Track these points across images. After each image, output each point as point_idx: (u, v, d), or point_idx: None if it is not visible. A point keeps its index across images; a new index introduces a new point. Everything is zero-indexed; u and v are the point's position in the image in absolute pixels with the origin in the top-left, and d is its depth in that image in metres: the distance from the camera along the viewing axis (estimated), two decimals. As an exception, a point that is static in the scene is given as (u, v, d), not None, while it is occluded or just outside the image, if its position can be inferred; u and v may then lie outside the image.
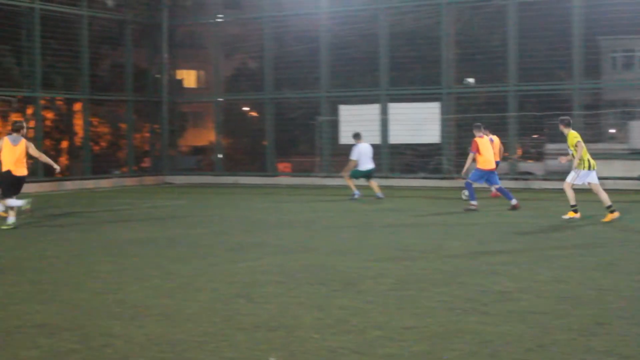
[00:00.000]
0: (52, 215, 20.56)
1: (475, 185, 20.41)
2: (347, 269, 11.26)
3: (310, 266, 11.56)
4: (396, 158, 31.51)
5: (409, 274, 10.89)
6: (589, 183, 17.46)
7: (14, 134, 17.58)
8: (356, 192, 23.52)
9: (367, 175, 23.88)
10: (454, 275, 10.72)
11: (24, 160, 17.68)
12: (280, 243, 14.29)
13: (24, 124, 18.05)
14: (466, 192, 20.62)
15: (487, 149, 20.44)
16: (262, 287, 9.95)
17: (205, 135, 38.54)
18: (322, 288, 9.86)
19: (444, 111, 30.05)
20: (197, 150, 39.11)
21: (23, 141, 17.52)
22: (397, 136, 30.75)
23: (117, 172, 34.31)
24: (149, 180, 34.67)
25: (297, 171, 33.73)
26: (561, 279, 10.32)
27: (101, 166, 33.76)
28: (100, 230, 16.90)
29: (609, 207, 17.21)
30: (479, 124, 20.97)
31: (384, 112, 30.93)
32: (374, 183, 23.89)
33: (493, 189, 21.75)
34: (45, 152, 31.01)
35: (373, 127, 30.31)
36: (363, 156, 23.74)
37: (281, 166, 34.45)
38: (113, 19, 34.62)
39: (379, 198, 23.23)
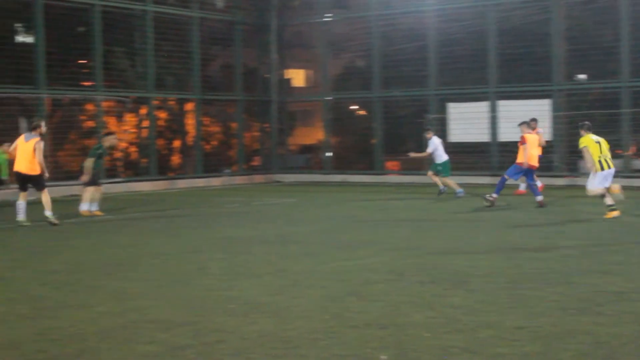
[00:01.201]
0: (165, 213, 20.96)
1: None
2: (457, 267, 11.19)
3: (420, 264, 11.52)
4: (505, 156, 31.09)
5: (520, 272, 10.76)
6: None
7: (31, 132, 17.79)
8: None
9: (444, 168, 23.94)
10: (567, 274, 10.55)
11: (33, 159, 17.56)
12: (389, 241, 14.29)
13: (41, 123, 17.98)
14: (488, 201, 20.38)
15: (534, 145, 20.64)
16: (373, 285, 9.96)
17: (314, 134, 38.73)
18: (432, 286, 9.82)
19: (554, 108, 29.53)
20: (306, 149, 39.32)
21: (33, 140, 17.55)
22: (506, 134, 30.33)
23: (227, 170, 34.76)
24: (258, 178, 35.04)
25: (405, 169, 33.59)
26: (679, 280, 10.07)
27: (212, 165, 34.26)
28: (212, 227, 17.16)
29: (610, 205, 17.44)
30: (530, 120, 21.87)
31: (493, 110, 30.58)
32: (448, 179, 24.00)
33: (522, 186, 22.55)
34: (158, 152, 31.77)
35: (482, 125, 30.01)
36: (439, 149, 23.87)
37: (389, 164, 34.38)
38: (223, 20, 35.10)
39: (441, 192, 23.68)
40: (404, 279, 10.32)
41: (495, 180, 28.06)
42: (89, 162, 20.21)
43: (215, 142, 36.14)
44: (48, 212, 17.71)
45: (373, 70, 33.67)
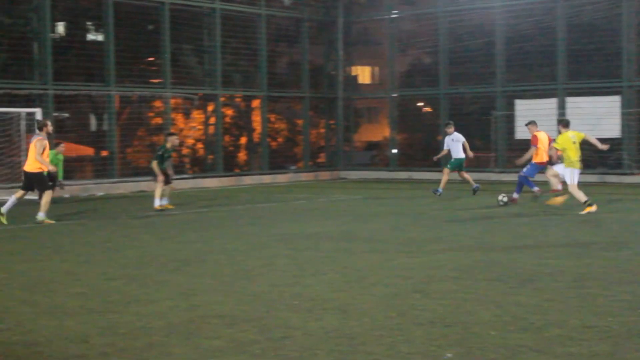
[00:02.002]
0: (231, 210, 21.11)
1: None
2: (524, 265, 11.09)
3: (486, 262, 11.44)
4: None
5: (589, 271, 10.62)
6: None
7: (39, 132, 17.74)
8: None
9: (459, 165, 23.72)
10: (636, 273, 10.39)
11: (32, 157, 17.47)
12: (455, 238, 14.21)
13: (45, 122, 17.96)
14: (504, 199, 20.14)
15: (545, 143, 20.85)
16: (438, 282, 9.92)
17: (380, 131, 38.70)
18: (498, 284, 9.75)
19: (624, 105, 29.09)
20: (372, 146, 39.30)
21: (35, 139, 17.56)
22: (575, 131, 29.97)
23: (293, 167, 34.91)
24: (324, 175, 35.11)
25: (472, 166, 33.34)
26: None
27: (278, 161, 34.43)
28: (277, 224, 17.23)
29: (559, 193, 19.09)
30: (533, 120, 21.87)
31: (562, 107, 30.21)
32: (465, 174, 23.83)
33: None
34: (224, 148, 32.01)
35: (550, 122, 29.58)
36: (453, 146, 23.65)
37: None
38: (290, 17, 35.23)
39: (475, 190, 23.51)
40: (470, 277, 10.25)
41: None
42: (153, 165, 20.74)
43: (281, 139, 36.31)
44: (41, 215, 17.63)
45: (440, 66, 33.52)
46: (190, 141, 32.02)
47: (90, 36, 31.52)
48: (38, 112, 25.11)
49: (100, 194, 27.04)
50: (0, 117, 25.07)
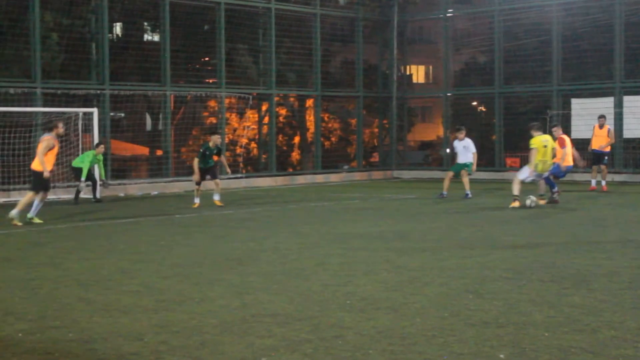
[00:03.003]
0: (284, 209, 21.17)
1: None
2: (578, 266, 10.98)
3: (540, 262, 11.34)
4: (630, 152, 30.37)
5: (645, 272, 10.50)
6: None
7: (49, 132, 17.83)
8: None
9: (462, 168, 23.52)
10: (694, 275, 10.23)
11: (40, 155, 17.43)
12: (509, 238, 14.12)
13: (58, 124, 17.96)
14: (532, 204, 19.82)
15: (570, 146, 21.63)
16: (491, 283, 9.85)
17: (433, 130, 38.59)
18: (552, 285, 9.66)
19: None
20: (425, 145, 39.18)
21: (42, 138, 17.69)
22: (632, 130, 29.62)
23: (346, 166, 34.92)
24: (377, 174, 35.07)
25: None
26: None
27: (331, 161, 34.47)
28: (330, 223, 17.24)
29: (541, 195, 20.44)
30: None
31: (619, 106, 29.85)
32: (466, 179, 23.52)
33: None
34: (278, 147, 32.14)
35: (607, 121, 29.32)
36: (462, 152, 23.49)
37: (509, 161, 33.92)
38: (344, 16, 35.25)
39: (467, 197, 23.06)
40: (523, 277, 10.17)
41: (618, 176, 27.65)
42: (194, 162, 21.29)
43: (334, 138, 36.37)
44: (14, 212, 17.51)
45: (494, 65, 33.32)
46: (244, 141, 32.18)
47: (147, 36, 31.89)
48: (95, 112, 25.43)
49: (155, 193, 27.29)
50: (58, 117, 25.41)
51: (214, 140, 21.40)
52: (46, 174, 17.49)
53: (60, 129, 17.98)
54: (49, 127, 18.21)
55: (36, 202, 17.74)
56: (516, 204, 19.68)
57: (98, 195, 23.90)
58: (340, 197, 24.80)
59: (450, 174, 23.75)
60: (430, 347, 7.00)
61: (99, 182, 23.92)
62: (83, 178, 23.06)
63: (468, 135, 23.71)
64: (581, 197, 22.77)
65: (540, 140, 19.92)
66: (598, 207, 20.10)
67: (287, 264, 11.67)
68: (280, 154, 33.27)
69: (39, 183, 17.65)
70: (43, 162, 17.43)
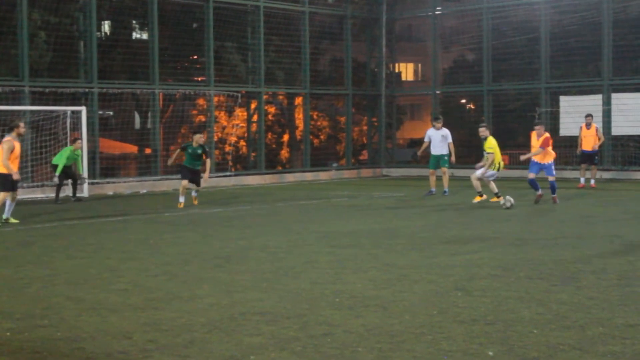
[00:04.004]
0: (273, 207, 21.16)
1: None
2: (566, 263, 11.02)
3: (528, 260, 11.37)
4: (619, 150, 30.46)
5: (633, 269, 10.54)
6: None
7: (10, 132, 17.47)
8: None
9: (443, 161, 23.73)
10: (682, 272, 10.27)
11: (4, 159, 17.02)
12: (497, 236, 14.15)
13: (19, 123, 17.56)
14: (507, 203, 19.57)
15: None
16: (480, 280, 9.87)
17: (423, 128, 38.52)
18: (541, 282, 9.68)
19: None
20: (414, 143, 39.18)
21: (3, 140, 17.33)
22: (620, 127, 29.70)
23: (335, 164, 34.92)
24: (366, 172, 35.08)
25: (515, 164, 33.14)
26: None
27: (320, 159, 34.46)
28: (319, 221, 17.25)
29: (496, 193, 20.38)
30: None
31: (607, 103, 29.92)
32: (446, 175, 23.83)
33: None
34: (267, 145, 32.13)
35: (595, 119, 29.41)
36: (440, 141, 23.72)
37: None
38: (333, 14, 35.24)
39: (444, 194, 23.26)
40: (511, 274, 10.20)
41: (607, 174, 27.76)
42: (176, 152, 21.61)
43: (323, 136, 36.37)
44: None
45: (483, 63, 33.35)
46: (233, 139, 32.15)
47: (135, 35, 31.80)
48: (83, 111, 25.36)
49: (143, 191, 27.25)
50: (47, 116, 25.36)
51: (196, 139, 21.00)
52: (15, 176, 17.19)
53: (21, 128, 17.54)
54: (10, 127, 17.73)
55: (8, 203, 17.49)
56: (481, 198, 20.68)
57: (78, 194, 23.71)
58: (329, 195, 24.80)
59: (432, 171, 23.81)
60: (419, 345, 7.01)
61: (78, 181, 23.75)
62: (57, 173, 22.90)
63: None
64: (569, 195, 22.83)
65: (495, 142, 20.36)
66: (586, 205, 20.17)
67: (276, 262, 11.67)
68: (269, 152, 33.25)
69: (5, 184, 17.25)
70: (7, 164, 17.08)
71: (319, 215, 18.66)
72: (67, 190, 23.73)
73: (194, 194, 21.58)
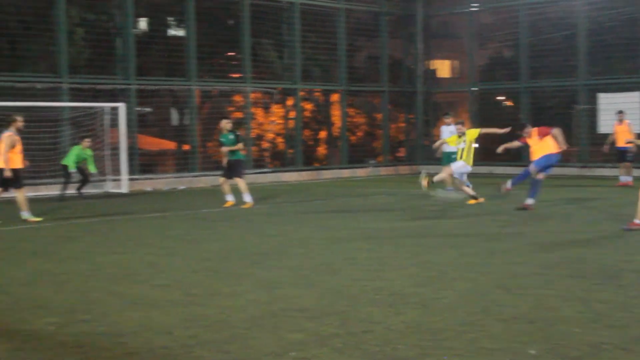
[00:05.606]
0: (311, 204, 21.18)
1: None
2: (608, 262, 10.92)
3: (569, 258, 11.29)
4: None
5: (676, 268, 10.44)
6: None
7: (8, 128, 17.26)
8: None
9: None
10: None
11: (4, 153, 16.88)
12: (537, 234, 14.07)
13: (17, 118, 17.26)
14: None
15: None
16: (520, 278, 9.82)
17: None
18: (582, 281, 9.62)
19: None
20: (452, 140, 38.97)
21: (5, 134, 17.06)
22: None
23: (372, 161, 34.87)
24: (403, 169, 35.01)
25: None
26: None
27: (357, 156, 34.45)
28: (357, 218, 17.24)
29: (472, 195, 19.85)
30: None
31: (646, 100, 29.64)
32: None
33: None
34: (304, 142, 32.15)
35: (634, 116, 29.11)
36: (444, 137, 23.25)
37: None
38: (369, 10, 35.19)
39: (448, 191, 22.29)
40: (553, 273, 10.13)
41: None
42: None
43: (360, 133, 36.33)
44: (24, 213, 17.33)
45: (520, 60, 33.17)
46: (270, 135, 32.22)
47: (172, 31, 31.95)
48: (121, 107, 25.54)
49: (182, 187, 27.39)
50: (85, 112, 25.56)
51: (223, 126, 20.09)
52: (7, 173, 16.93)
53: (19, 122, 17.27)
54: (7, 121, 17.43)
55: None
56: (473, 201, 19.78)
57: (83, 191, 23.56)
58: (366, 192, 24.79)
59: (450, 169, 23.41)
60: (460, 342, 6.99)
61: (88, 179, 23.54)
62: (72, 169, 22.92)
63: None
64: (607, 193, 22.64)
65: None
66: (624, 203, 19.96)
67: (315, 258, 11.68)
68: (307, 149, 33.30)
69: (9, 181, 17.08)
70: (7, 160, 16.91)
71: (357, 212, 18.65)
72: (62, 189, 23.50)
73: (246, 198, 19.97)
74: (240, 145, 20.09)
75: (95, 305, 8.72)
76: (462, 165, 19.87)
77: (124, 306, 8.63)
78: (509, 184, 18.60)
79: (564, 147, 18.72)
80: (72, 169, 22.87)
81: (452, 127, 23.36)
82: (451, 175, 19.88)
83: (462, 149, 19.99)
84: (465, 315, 7.96)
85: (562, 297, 8.69)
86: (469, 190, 20.15)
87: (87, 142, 23.46)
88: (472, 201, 19.88)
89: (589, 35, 31.25)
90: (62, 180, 23.16)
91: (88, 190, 24.00)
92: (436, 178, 19.78)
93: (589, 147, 31.04)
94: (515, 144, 19.30)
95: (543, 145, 18.39)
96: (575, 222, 16.08)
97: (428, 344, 6.95)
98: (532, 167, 18.39)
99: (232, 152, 19.95)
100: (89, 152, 23.36)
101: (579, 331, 7.28)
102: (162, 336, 7.36)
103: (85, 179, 23.44)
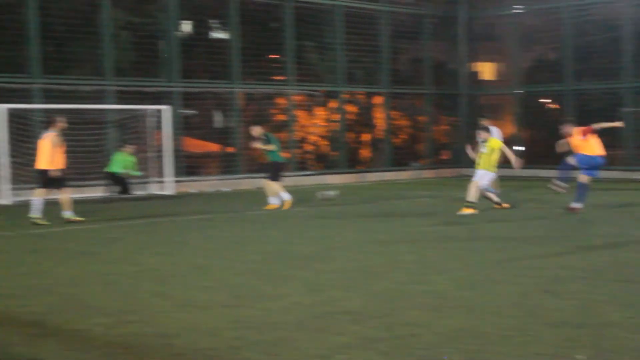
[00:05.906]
0: (355, 207, 21.18)
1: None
2: (656, 267, 10.83)
3: (616, 262, 11.19)
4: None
5: None
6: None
7: (48, 129, 17.41)
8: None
9: None
10: None
11: (47, 154, 17.08)
12: (583, 237, 13.96)
13: (54, 118, 17.48)
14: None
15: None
16: (567, 282, 9.74)
17: (504, 128, 38.17)
18: (629, 285, 9.52)
19: None
20: (494, 143, 38.74)
21: (49, 135, 17.18)
22: None
23: (416, 164, 34.78)
24: (447, 172, 34.87)
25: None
26: None
27: (401, 158, 34.37)
28: (401, 220, 17.24)
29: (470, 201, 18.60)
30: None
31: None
32: None
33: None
34: (347, 145, 32.17)
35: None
36: None
37: (581, 159, 33.42)
38: (412, 13, 35.12)
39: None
40: (600, 277, 10.05)
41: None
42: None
43: (404, 136, 36.21)
44: (67, 212, 17.53)
45: (565, 62, 32.91)
46: (313, 138, 32.26)
47: (216, 34, 32.09)
48: (166, 110, 25.71)
49: (226, 189, 27.51)
50: (131, 114, 25.77)
51: (254, 131, 20.37)
52: (53, 173, 17.11)
53: (62, 123, 17.42)
54: (48, 123, 17.66)
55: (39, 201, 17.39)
56: (470, 210, 18.42)
57: (129, 194, 23.72)
58: (410, 195, 24.73)
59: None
60: (507, 347, 6.95)
61: (128, 184, 23.68)
62: (130, 172, 23.19)
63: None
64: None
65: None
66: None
67: (359, 261, 11.68)
68: (350, 151, 33.30)
69: (54, 181, 17.28)
70: (51, 160, 17.12)
71: (401, 215, 18.63)
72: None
73: (286, 196, 20.11)
74: (270, 147, 20.13)
75: (142, 306, 8.80)
76: (484, 175, 19.37)
77: (171, 307, 8.70)
78: (575, 204, 18.11)
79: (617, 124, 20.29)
80: (121, 173, 23.10)
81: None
82: (478, 187, 19.13)
83: (482, 155, 19.70)
84: (511, 319, 7.92)
85: (609, 302, 8.61)
86: (493, 196, 19.80)
87: (129, 147, 23.64)
88: (497, 206, 19.64)
89: (634, 37, 30.94)
90: (106, 183, 23.39)
91: (132, 192, 24.17)
92: (469, 198, 18.80)
93: (636, 150, 30.71)
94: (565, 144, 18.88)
95: (586, 145, 18.25)
96: (620, 226, 15.91)
97: (474, 348, 6.93)
98: (570, 159, 18.32)
99: (269, 153, 20.15)
100: (132, 158, 23.55)
101: (628, 336, 7.22)
102: (209, 338, 7.41)
103: (125, 184, 23.59)
